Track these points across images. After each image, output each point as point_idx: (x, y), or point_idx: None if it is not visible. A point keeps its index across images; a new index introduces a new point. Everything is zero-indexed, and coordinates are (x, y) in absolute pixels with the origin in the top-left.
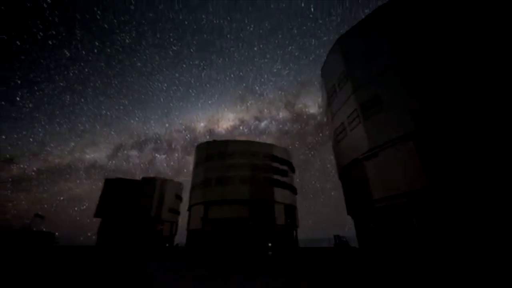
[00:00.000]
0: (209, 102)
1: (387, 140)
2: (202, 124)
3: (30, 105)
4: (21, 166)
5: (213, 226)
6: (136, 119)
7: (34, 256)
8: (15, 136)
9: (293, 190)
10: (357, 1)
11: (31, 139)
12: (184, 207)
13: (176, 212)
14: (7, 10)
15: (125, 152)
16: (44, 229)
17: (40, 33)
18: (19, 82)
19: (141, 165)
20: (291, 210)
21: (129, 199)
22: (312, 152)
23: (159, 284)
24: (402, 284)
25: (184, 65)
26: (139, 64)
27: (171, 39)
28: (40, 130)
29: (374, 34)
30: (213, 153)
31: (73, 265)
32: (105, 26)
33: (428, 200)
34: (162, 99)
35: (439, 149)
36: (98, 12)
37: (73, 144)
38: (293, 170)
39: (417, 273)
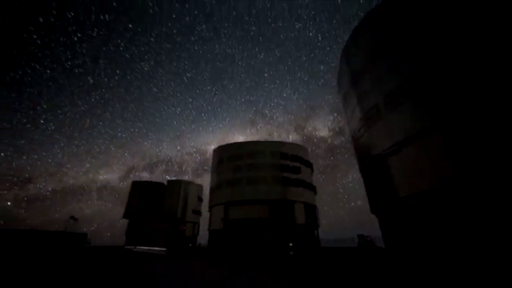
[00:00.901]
0: (220, 125)
1: (412, 133)
2: (212, 147)
3: (53, 127)
4: (38, 186)
5: (234, 227)
6: (149, 141)
7: (72, 256)
8: (35, 156)
9: (313, 189)
10: None
11: (49, 160)
12: (204, 208)
13: (198, 213)
14: (43, 45)
15: (137, 173)
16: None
17: (69, 62)
18: (45, 106)
19: None
20: (311, 210)
21: (156, 200)
22: (323, 176)
23: (182, 283)
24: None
25: (197, 91)
26: (155, 89)
27: (186, 67)
28: (59, 151)
29: (396, 21)
30: (232, 154)
31: (108, 263)
32: (127, 55)
33: (459, 196)
34: (175, 122)
35: (469, 142)
36: (122, 44)
37: (88, 165)
38: (312, 169)
39: (449, 275)
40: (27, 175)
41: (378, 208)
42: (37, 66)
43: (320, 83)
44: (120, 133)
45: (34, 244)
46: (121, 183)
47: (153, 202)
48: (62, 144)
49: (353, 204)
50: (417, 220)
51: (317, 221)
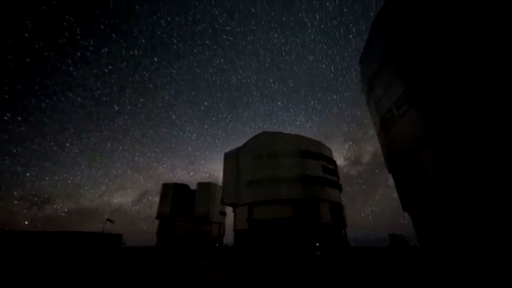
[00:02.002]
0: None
1: (446, 124)
2: None
3: (76, 150)
4: (55, 206)
5: (258, 227)
6: (164, 166)
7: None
8: (57, 177)
9: (338, 187)
10: None
11: (69, 181)
12: (229, 208)
13: (223, 214)
14: (78, 76)
15: (150, 198)
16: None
17: (98, 91)
18: (72, 131)
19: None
20: (337, 208)
21: (186, 202)
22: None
23: (212, 283)
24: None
25: (213, 118)
26: (174, 116)
27: (204, 96)
28: (79, 173)
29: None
30: (255, 153)
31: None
32: (150, 85)
33: (502, 191)
34: (190, 148)
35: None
36: (147, 75)
37: (104, 187)
38: (336, 167)
39: (493, 277)
40: (46, 196)
41: (411, 206)
42: (70, 94)
43: (333, 112)
44: (137, 158)
45: (76, 245)
46: (134, 207)
47: (184, 203)
48: (82, 167)
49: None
50: (456, 217)
51: (344, 220)
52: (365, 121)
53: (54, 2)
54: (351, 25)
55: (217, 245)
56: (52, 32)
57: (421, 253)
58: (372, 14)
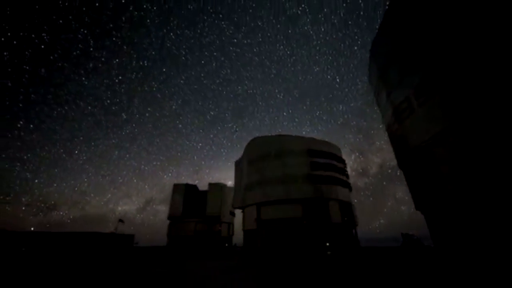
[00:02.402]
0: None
1: (462, 121)
2: (230, 182)
3: (84, 157)
4: (61, 213)
5: (267, 227)
6: (169, 174)
7: (129, 254)
8: (64, 184)
9: (347, 186)
10: None
11: (76, 188)
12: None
13: (233, 214)
14: (90, 86)
15: (154, 206)
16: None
17: (108, 100)
18: (81, 138)
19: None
20: (347, 207)
21: (197, 202)
22: None
23: (221, 284)
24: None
25: (219, 127)
26: (180, 125)
27: (210, 106)
28: (86, 180)
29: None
30: (263, 153)
31: (156, 262)
32: (158, 95)
33: None
34: (195, 157)
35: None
36: (155, 85)
37: (109, 195)
38: (345, 166)
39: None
40: (53, 202)
41: (424, 205)
42: (81, 103)
43: (339, 122)
44: (143, 166)
45: (91, 245)
46: (138, 215)
47: (195, 204)
48: (90, 174)
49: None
50: (474, 217)
51: (354, 220)
52: (372, 132)
53: (70, 17)
54: (356, 37)
55: (226, 245)
56: (67, 44)
57: (435, 253)
58: (377, 27)
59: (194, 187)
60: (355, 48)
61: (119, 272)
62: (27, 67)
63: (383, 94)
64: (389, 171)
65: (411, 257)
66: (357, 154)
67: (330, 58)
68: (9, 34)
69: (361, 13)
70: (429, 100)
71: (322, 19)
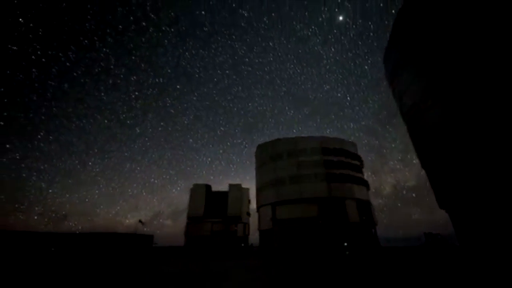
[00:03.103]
0: (247, 177)
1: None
2: None
3: (97, 169)
4: (70, 223)
5: (282, 226)
6: (178, 188)
7: (149, 254)
8: (76, 195)
9: (365, 185)
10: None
11: (87, 200)
12: (253, 208)
13: (248, 214)
14: (108, 101)
15: (161, 220)
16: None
17: (124, 115)
18: (96, 150)
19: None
20: (365, 206)
21: (218, 203)
22: None
23: (237, 284)
24: None
25: (228, 143)
26: (191, 140)
27: (221, 121)
28: (97, 192)
29: None
30: (276, 153)
31: (176, 262)
32: (172, 111)
33: None
34: (204, 172)
35: None
36: (169, 101)
37: (118, 207)
38: (361, 163)
39: None
40: (64, 213)
41: (449, 203)
42: (98, 117)
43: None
44: (153, 179)
45: (114, 244)
46: (145, 228)
47: (215, 204)
48: (101, 186)
49: None
50: (499, 215)
51: (373, 219)
52: (384, 151)
53: (95, 37)
54: (366, 57)
55: (242, 245)
56: (91, 62)
57: (461, 253)
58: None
59: (210, 187)
60: (366, 67)
61: (143, 271)
62: (52, 83)
63: (397, 92)
64: (404, 192)
65: (434, 257)
66: (369, 173)
67: (340, 76)
68: (39, 52)
69: (371, 34)
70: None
71: (332, 40)
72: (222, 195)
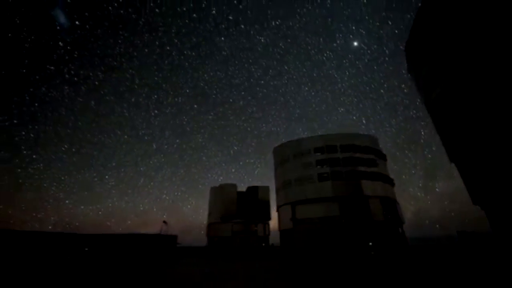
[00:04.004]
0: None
1: None
2: None
3: (113, 183)
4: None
5: (303, 226)
6: (188, 206)
7: (168, 254)
8: (90, 207)
9: (389, 182)
10: (412, 113)
11: (100, 212)
12: (273, 208)
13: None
14: (129, 117)
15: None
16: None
17: (143, 131)
18: (114, 164)
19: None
20: (390, 204)
21: (246, 203)
22: None
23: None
24: None
25: (240, 162)
26: (204, 158)
27: (234, 141)
28: (110, 205)
29: None
30: (298, 151)
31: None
32: (187, 129)
33: None
34: None
35: None
36: (185, 119)
37: (129, 222)
38: (384, 159)
39: None
40: (77, 224)
41: (484, 198)
42: (119, 132)
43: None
44: (164, 195)
45: (141, 245)
46: (167, 230)
47: (244, 205)
48: (114, 199)
49: None
50: None
51: (399, 217)
52: (403, 177)
53: (123, 59)
54: (382, 81)
55: (263, 245)
56: (117, 81)
57: (497, 251)
58: (403, 71)
59: (230, 186)
60: (381, 91)
61: (175, 271)
62: (81, 99)
63: (420, 87)
64: (427, 222)
65: (466, 256)
66: None
67: (355, 100)
68: (72, 72)
69: (386, 59)
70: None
71: (347, 64)
72: (248, 195)
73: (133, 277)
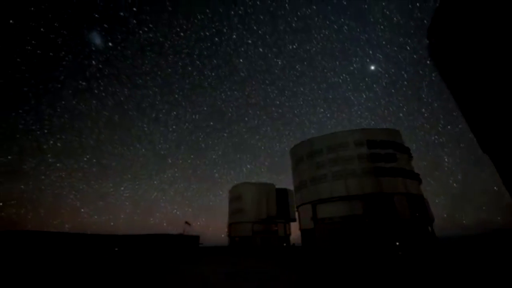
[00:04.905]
0: None
1: None
2: None
3: (127, 194)
4: None
5: (324, 226)
6: (198, 223)
7: (191, 254)
8: (103, 217)
9: (415, 178)
10: (434, 138)
11: (112, 223)
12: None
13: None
14: (149, 132)
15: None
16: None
17: (160, 145)
18: (129, 176)
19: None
20: (418, 202)
21: (283, 203)
22: None
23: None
24: None
25: (253, 181)
26: (216, 175)
27: (247, 159)
28: (122, 216)
29: None
30: (311, 150)
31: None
32: (202, 145)
33: None
34: (226, 208)
35: None
36: (201, 136)
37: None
38: (409, 154)
39: None
40: (89, 233)
41: None
42: (138, 145)
43: None
44: (175, 210)
45: (165, 245)
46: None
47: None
48: (127, 211)
49: None
50: None
51: (428, 215)
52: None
53: (148, 78)
54: (400, 105)
55: (284, 244)
56: (141, 98)
57: None
58: (424, 96)
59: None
60: (400, 114)
61: (199, 269)
62: (106, 113)
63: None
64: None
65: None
66: None
67: (373, 123)
68: (101, 88)
69: (405, 83)
70: None
71: (364, 87)
72: (281, 196)
73: (159, 274)
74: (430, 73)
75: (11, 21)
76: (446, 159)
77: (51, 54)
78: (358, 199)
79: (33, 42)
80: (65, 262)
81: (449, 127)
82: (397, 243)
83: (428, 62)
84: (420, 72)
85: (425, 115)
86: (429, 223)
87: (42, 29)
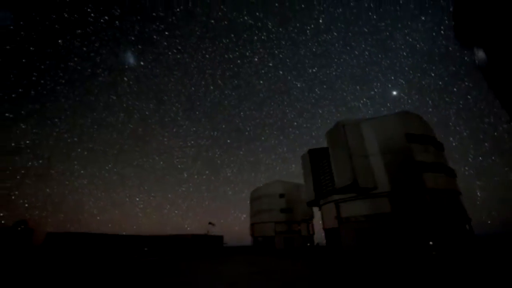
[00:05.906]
0: None
1: None
2: None
3: (141, 205)
4: None
5: (349, 225)
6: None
7: (215, 253)
8: (117, 227)
9: (448, 172)
10: (464, 169)
11: (124, 232)
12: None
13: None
14: (169, 145)
15: None
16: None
17: (177, 159)
18: (146, 187)
19: None
20: (451, 198)
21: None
22: None
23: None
24: None
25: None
26: (230, 193)
27: (262, 179)
28: (134, 227)
29: None
30: (338, 140)
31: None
32: (218, 161)
33: None
34: (237, 228)
35: None
36: (218, 152)
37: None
38: (440, 147)
39: None
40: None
41: None
42: (156, 157)
43: None
44: (187, 226)
45: (191, 245)
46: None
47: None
48: (140, 222)
49: None
50: None
51: (464, 213)
52: None
53: (172, 94)
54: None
55: (308, 244)
56: (164, 113)
57: None
58: (451, 124)
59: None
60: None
61: (226, 267)
62: (131, 126)
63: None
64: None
65: None
66: None
67: None
68: (129, 102)
69: (430, 109)
70: None
71: (385, 112)
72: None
73: (186, 272)
74: (458, 100)
75: (59, 41)
76: (478, 193)
77: (89, 70)
78: (384, 197)
79: (75, 59)
80: (112, 259)
81: (480, 158)
82: (431, 243)
83: (454, 89)
84: (446, 99)
85: (453, 144)
86: (467, 221)
87: (84, 49)
